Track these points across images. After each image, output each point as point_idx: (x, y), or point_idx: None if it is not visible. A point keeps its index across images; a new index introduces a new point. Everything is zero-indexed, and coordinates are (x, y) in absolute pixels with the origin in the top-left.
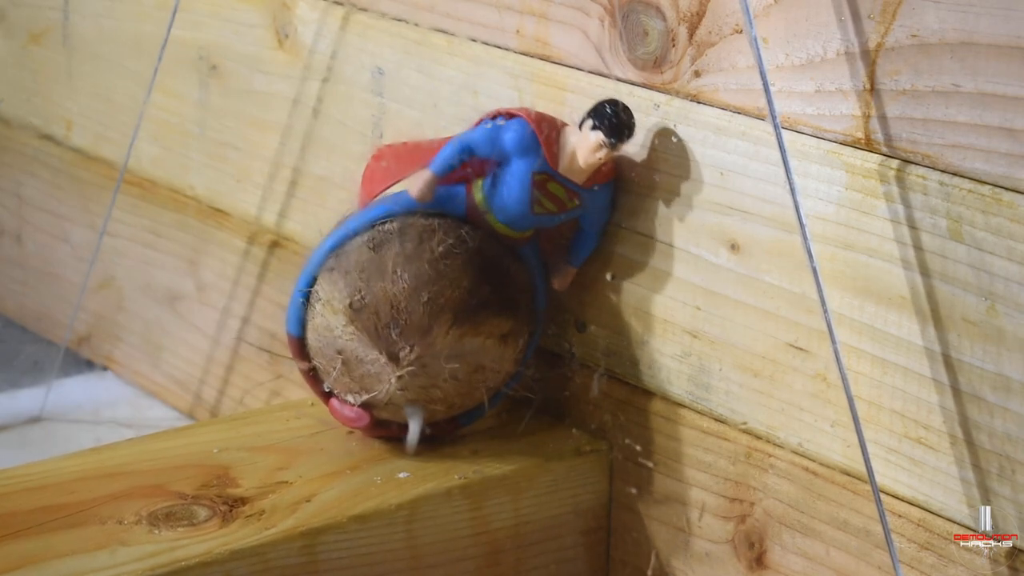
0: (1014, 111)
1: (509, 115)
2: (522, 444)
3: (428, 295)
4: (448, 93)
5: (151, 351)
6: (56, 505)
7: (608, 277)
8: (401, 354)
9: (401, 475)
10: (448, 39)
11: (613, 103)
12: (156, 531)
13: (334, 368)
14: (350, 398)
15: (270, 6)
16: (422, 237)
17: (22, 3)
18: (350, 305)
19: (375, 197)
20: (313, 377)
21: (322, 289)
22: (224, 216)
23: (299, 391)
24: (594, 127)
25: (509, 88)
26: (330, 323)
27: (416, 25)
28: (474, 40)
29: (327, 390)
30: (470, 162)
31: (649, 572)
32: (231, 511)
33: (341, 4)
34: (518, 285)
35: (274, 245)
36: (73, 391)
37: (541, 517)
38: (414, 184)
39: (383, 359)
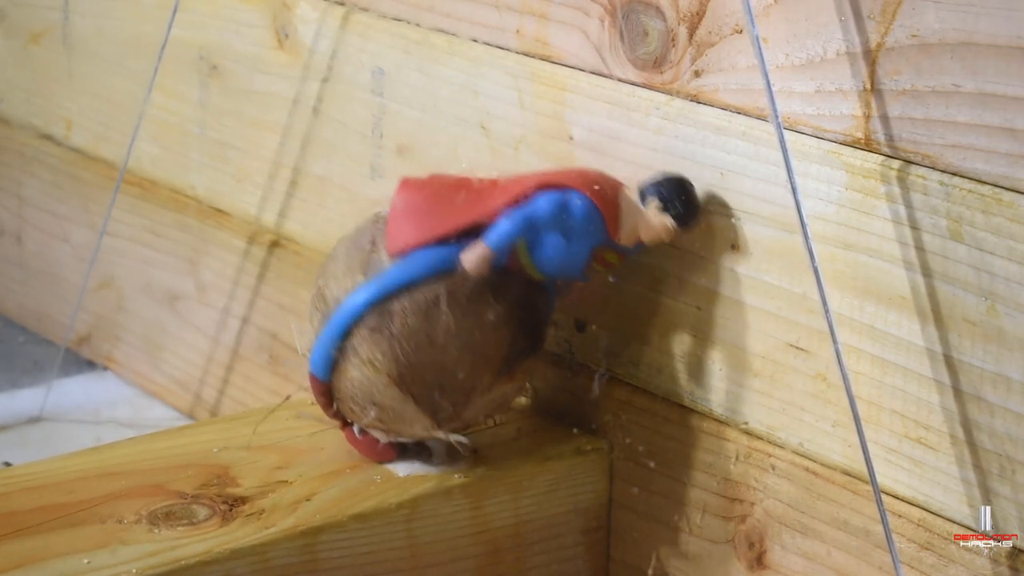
0: (1014, 111)
1: (560, 185)
2: (522, 444)
3: (474, 360)
4: (448, 93)
5: (151, 351)
6: (56, 505)
7: (609, 277)
8: (443, 414)
9: (401, 474)
10: (448, 39)
11: (680, 184)
12: (156, 530)
13: (365, 414)
14: (378, 435)
15: (270, 6)
16: (470, 301)
17: (22, 3)
18: (396, 371)
19: (409, 244)
20: (335, 414)
21: (362, 347)
22: (224, 216)
23: (299, 391)
24: (664, 209)
25: (509, 88)
26: (369, 379)
27: (416, 25)
28: (474, 40)
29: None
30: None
31: (649, 572)
32: (231, 510)
33: (341, 4)
34: (543, 317)
35: (274, 245)
36: (73, 391)
37: (541, 517)
38: (469, 257)
39: (425, 419)
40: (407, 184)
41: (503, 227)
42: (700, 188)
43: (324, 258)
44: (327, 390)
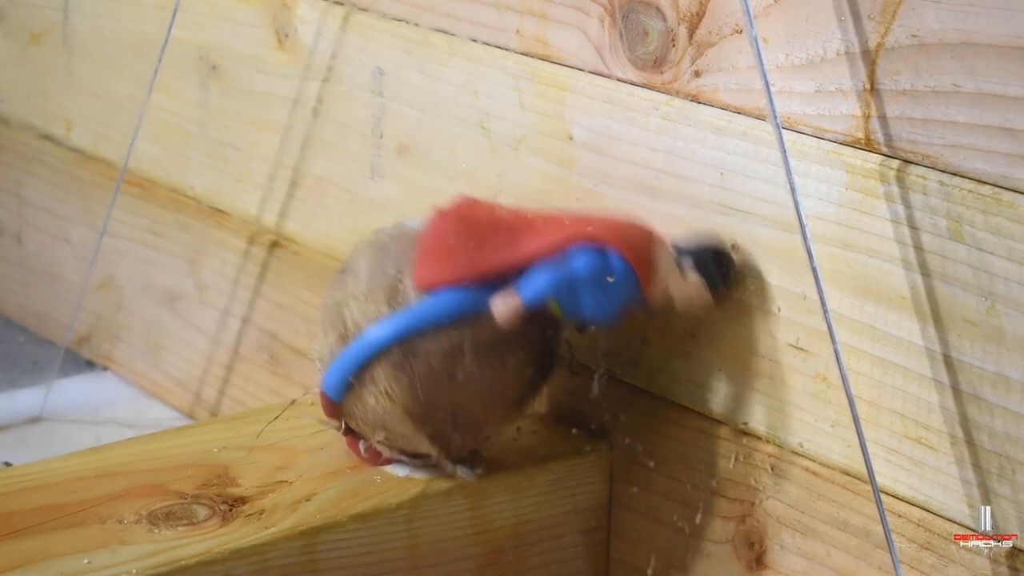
0: (1014, 111)
1: (599, 240)
2: (522, 444)
3: (491, 399)
4: (448, 93)
5: (151, 351)
6: (56, 505)
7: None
8: (454, 447)
9: (401, 474)
10: (448, 39)
11: (719, 254)
12: (156, 530)
13: (374, 434)
14: (383, 450)
15: (270, 6)
16: (495, 347)
17: (22, 3)
18: (412, 407)
19: (439, 281)
20: (342, 427)
21: (381, 379)
22: (224, 216)
23: (299, 391)
24: (699, 275)
25: (509, 88)
26: (384, 409)
27: (416, 25)
28: (474, 40)
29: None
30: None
31: (649, 572)
32: (231, 510)
33: (341, 4)
34: (556, 347)
35: (274, 245)
36: (73, 391)
37: (541, 517)
38: (500, 308)
39: (435, 449)
40: (441, 215)
41: (538, 284)
42: (700, 188)
43: (326, 258)
44: (337, 410)
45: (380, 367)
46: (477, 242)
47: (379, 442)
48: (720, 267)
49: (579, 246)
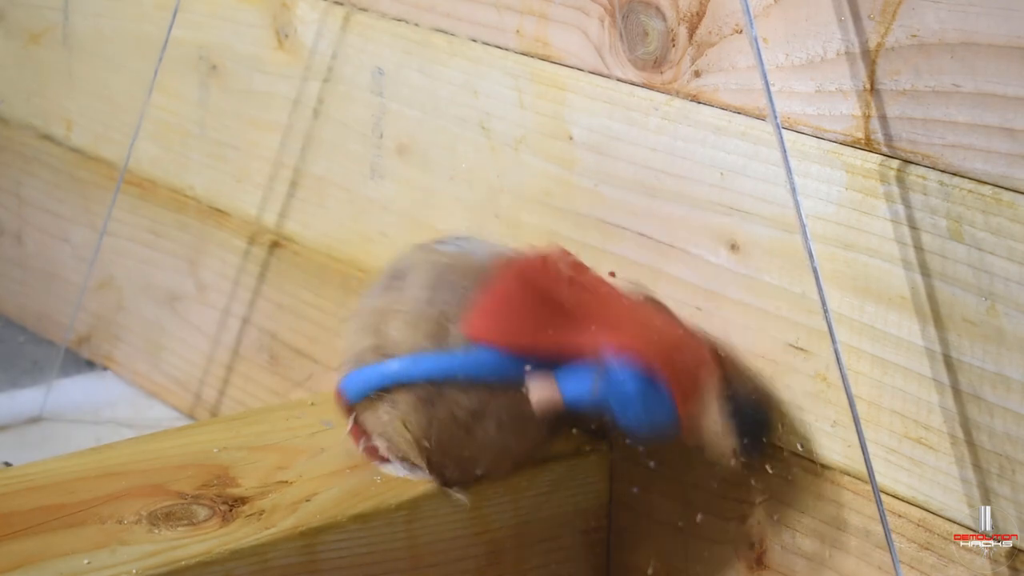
0: (1014, 111)
1: (657, 360)
2: None
3: (498, 457)
4: (448, 93)
5: (151, 351)
6: (56, 505)
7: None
8: (450, 477)
9: (401, 474)
10: (448, 39)
11: (764, 423)
12: (156, 531)
13: (379, 441)
14: (382, 450)
15: (270, 6)
16: (520, 418)
17: (22, 3)
18: (423, 442)
19: (488, 340)
20: (352, 424)
21: (401, 405)
22: (224, 216)
23: (299, 391)
24: (736, 434)
25: (509, 88)
26: (396, 431)
27: (416, 25)
28: (474, 40)
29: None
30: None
31: (649, 572)
32: (231, 511)
33: (341, 4)
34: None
35: (274, 245)
36: (73, 391)
37: (541, 517)
38: (538, 396)
39: (431, 474)
40: (510, 272)
41: (583, 388)
42: (700, 188)
43: (326, 258)
44: (350, 409)
45: (405, 397)
46: (537, 313)
47: (380, 445)
48: (758, 434)
49: (633, 364)
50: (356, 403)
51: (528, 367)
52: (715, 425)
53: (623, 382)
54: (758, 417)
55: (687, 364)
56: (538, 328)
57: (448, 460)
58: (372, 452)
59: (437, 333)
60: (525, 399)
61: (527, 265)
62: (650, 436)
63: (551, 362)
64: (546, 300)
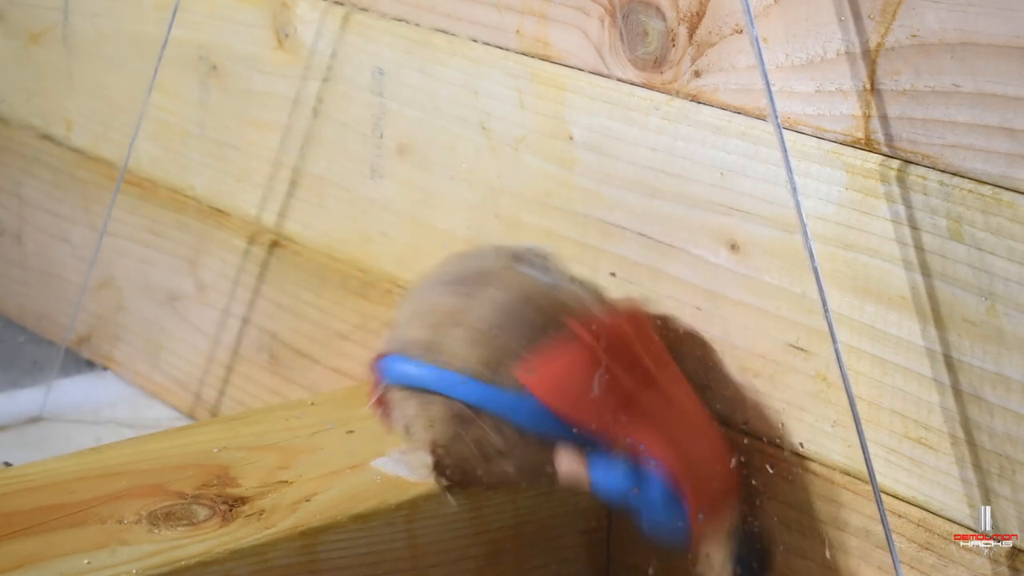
0: (1014, 111)
1: (683, 480)
2: None
3: (504, 485)
4: (448, 93)
5: (151, 351)
6: (56, 505)
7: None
8: (451, 478)
9: (401, 474)
10: (449, 39)
11: (765, 562)
12: (156, 530)
13: (396, 418)
14: (396, 425)
15: (270, 6)
16: (536, 469)
17: (22, 3)
18: (437, 452)
19: (540, 396)
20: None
21: (434, 412)
22: (224, 216)
23: (299, 391)
24: (733, 562)
25: (509, 88)
26: (415, 427)
27: (417, 25)
28: (474, 40)
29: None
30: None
31: (649, 572)
32: (231, 511)
33: (341, 4)
34: None
35: (274, 245)
36: (73, 391)
37: (541, 517)
38: (566, 471)
39: (435, 471)
40: (584, 338)
41: (610, 483)
42: (700, 188)
43: (326, 258)
44: (379, 384)
45: (441, 406)
46: (599, 393)
47: (398, 424)
48: (756, 569)
49: (665, 475)
50: (387, 385)
51: (568, 435)
52: (720, 558)
53: (652, 490)
54: (760, 559)
55: (714, 490)
56: (591, 404)
57: (455, 471)
58: (384, 416)
59: (494, 364)
60: (551, 459)
61: (599, 334)
62: (658, 539)
63: (591, 436)
64: (606, 378)
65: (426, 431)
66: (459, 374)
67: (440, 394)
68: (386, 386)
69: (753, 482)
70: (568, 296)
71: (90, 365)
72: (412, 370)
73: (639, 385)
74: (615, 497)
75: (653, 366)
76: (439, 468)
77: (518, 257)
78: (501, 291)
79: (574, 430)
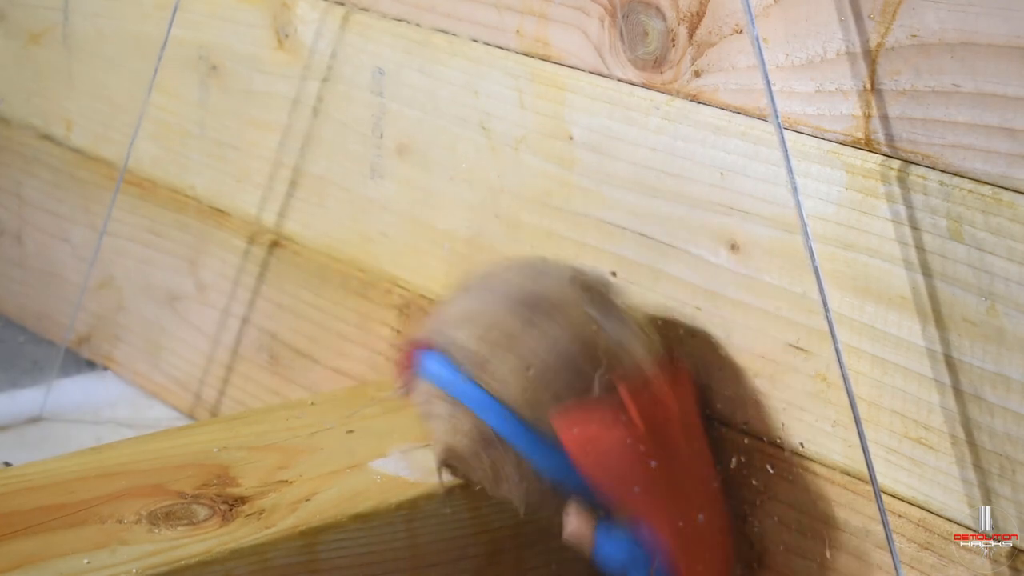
0: (1014, 111)
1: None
2: None
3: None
4: (448, 93)
5: (151, 351)
6: (56, 504)
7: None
8: (451, 469)
9: (401, 474)
10: (449, 39)
11: None
12: (156, 530)
13: (417, 402)
14: (419, 412)
15: (270, 6)
16: (543, 506)
17: (22, 3)
18: (449, 452)
19: (570, 448)
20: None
21: (460, 421)
22: (224, 216)
23: (299, 391)
24: None
25: (509, 88)
26: (439, 424)
27: (417, 25)
28: (474, 40)
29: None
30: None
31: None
32: (231, 510)
33: (341, 4)
34: None
35: (274, 245)
36: (73, 391)
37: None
38: (572, 530)
39: (441, 472)
40: (631, 410)
41: (613, 557)
42: (700, 188)
43: (326, 258)
44: (413, 372)
45: (469, 423)
46: (625, 459)
47: (421, 415)
48: None
49: (670, 564)
50: (418, 378)
51: (585, 494)
52: None
53: (654, 572)
54: None
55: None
56: (616, 472)
57: (460, 475)
58: (404, 380)
59: (535, 404)
60: (559, 508)
61: (644, 404)
62: None
63: (606, 502)
64: (638, 451)
65: (447, 436)
66: (499, 403)
67: (469, 414)
68: (421, 378)
69: (753, 482)
70: (624, 350)
71: (90, 365)
72: (453, 380)
73: (664, 460)
74: (614, 569)
75: (683, 441)
76: (440, 467)
77: (587, 288)
78: (562, 330)
79: (592, 491)
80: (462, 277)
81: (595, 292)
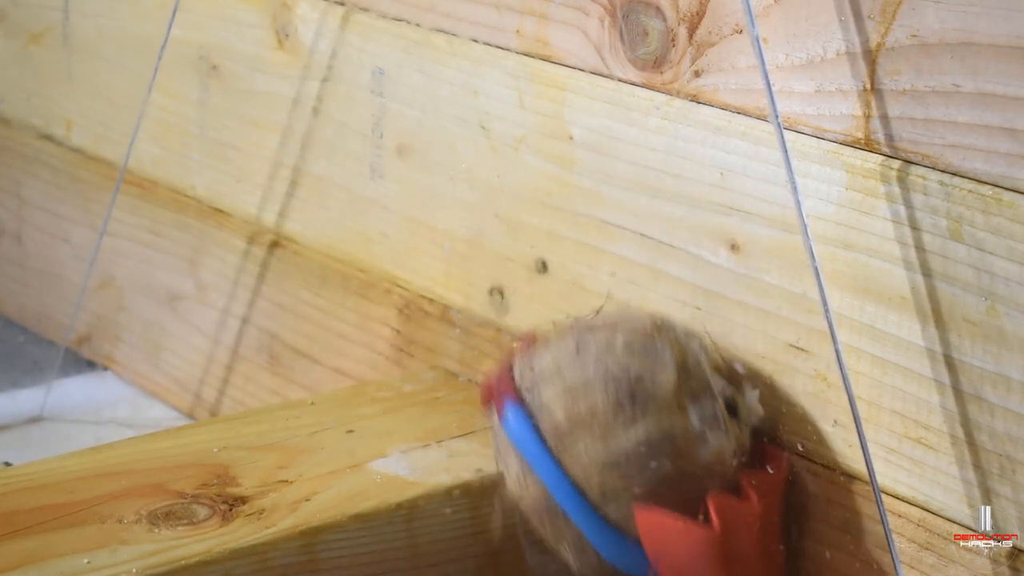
0: (1014, 111)
1: None
2: None
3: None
4: (448, 93)
5: (151, 351)
6: (56, 504)
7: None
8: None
9: (401, 474)
10: (449, 39)
11: None
12: (156, 530)
13: (497, 458)
14: (497, 451)
15: (270, 6)
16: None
17: (22, 3)
18: (504, 511)
19: (661, 566)
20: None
21: (529, 488)
22: (224, 216)
23: (299, 391)
24: None
25: (509, 88)
26: (507, 477)
27: (417, 25)
28: (474, 40)
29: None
30: None
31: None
32: (231, 510)
33: (342, 4)
34: None
35: (274, 245)
36: (73, 391)
37: None
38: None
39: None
40: (714, 524)
41: None
42: (700, 188)
43: (326, 258)
44: (491, 408)
45: (539, 491)
46: (701, 563)
47: (496, 455)
48: None
49: None
50: (502, 425)
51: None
52: None
53: None
54: None
55: None
56: (690, 574)
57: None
58: (485, 397)
59: (610, 495)
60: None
61: (728, 518)
62: None
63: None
64: (717, 555)
65: (515, 488)
66: (571, 484)
67: (538, 481)
68: (501, 426)
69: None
70: (718, 457)
71: (90, 365)
72: (532, 449)
73: (739, 565)
74: None
75: (760, 544)
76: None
77: (687, 372)
78: (655, 429)
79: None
80: (566, 319)
81: (695, 378)
